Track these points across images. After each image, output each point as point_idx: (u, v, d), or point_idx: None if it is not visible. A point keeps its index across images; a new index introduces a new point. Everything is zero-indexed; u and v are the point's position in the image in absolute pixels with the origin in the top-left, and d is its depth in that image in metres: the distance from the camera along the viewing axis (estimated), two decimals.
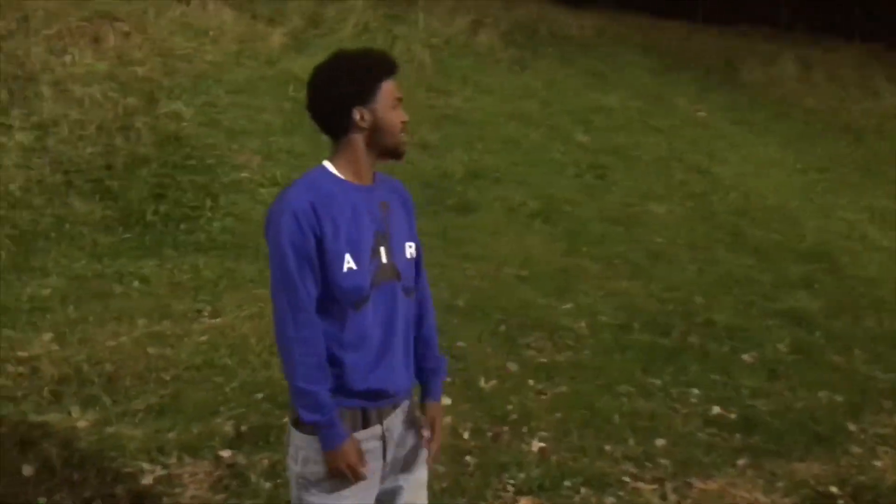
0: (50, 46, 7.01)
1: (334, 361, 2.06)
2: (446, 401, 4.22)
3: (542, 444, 3.98)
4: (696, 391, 4.60)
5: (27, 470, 3.26)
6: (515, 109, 8.66)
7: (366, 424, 2.12)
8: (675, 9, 15.60)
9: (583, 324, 5.21)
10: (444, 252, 5.81)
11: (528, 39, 10.88)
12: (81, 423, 3.57)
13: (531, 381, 4.51)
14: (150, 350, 4.15)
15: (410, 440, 2.24)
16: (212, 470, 3.41)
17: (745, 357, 5.06)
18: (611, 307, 5.47)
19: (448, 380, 4.40)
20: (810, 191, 8.61)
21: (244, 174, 6.09)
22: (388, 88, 2.07)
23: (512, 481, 3.65)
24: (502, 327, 5.03)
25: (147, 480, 3.31)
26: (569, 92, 9.64)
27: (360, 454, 2.10)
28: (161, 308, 4.54)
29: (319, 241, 2.00)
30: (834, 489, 3.83)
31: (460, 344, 4.78)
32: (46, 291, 4.51)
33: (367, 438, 2.12)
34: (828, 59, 13.54)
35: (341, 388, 2.07)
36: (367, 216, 2.07)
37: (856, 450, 4.20)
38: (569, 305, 5.43)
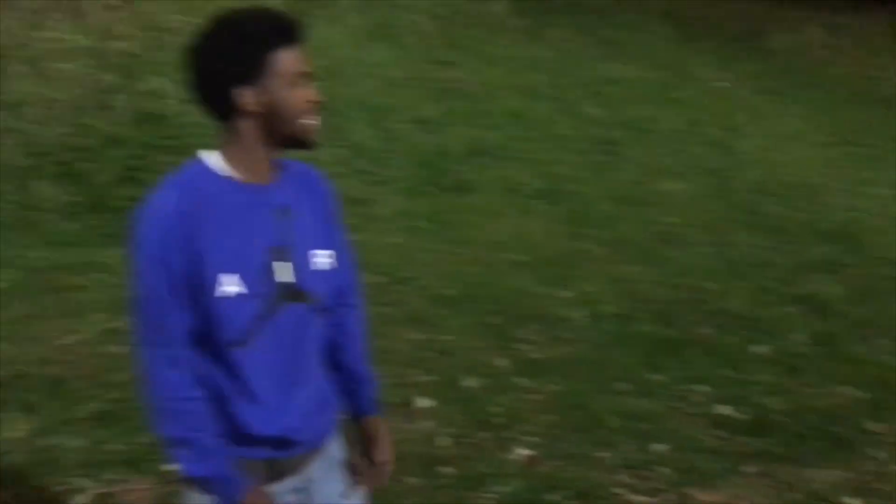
0: (29, 21, 6.69)
1: (223, 406, 1.67)
2: (425, 402, 3.89)
3: (530, 452, 3.63)
4: (702, 388, 4.22)
5: None
6: (522, 82, 8.22)
7: (277, 477, 1.75)
8: None
9: (583, 314, 4.83)
10: (436, 236, 5.45)
11: (540, 8, 10.39)
12: (19, 433, 3.27)
13: (521, 380, 4.15)
14: (105, 349, 3.84)
15: (337, 479, 1.89)
16: (156, 486, 3.10)
17: (759, 349, 4.66)
18: (614, 295, 5.09)
19: (430, 378, 4.10)
20: (836, 165, 8.11)
21: None
22: (284, 61, 1.62)
23: (491, 495, 3.31)
24: (494, 319, 4.67)
25: (84, 499, 3.01)
26: (581, 63, 9.18)
27: (272, 499, 1.75)
28: (121, 301, 4.20)
29: (191, 258, 1.59)
30: (852, 500, 3.47)
31: (447, 338, 4.43)
32: (2, 284, 4.21)
33: (283, 492, 1.75)
34: (858, 25, 12.88)
35: (236, 436, 1.69)
36: (256, 225, 1.65)
37: (878, 454, 3.81)
38: (569, 294, 5.05)
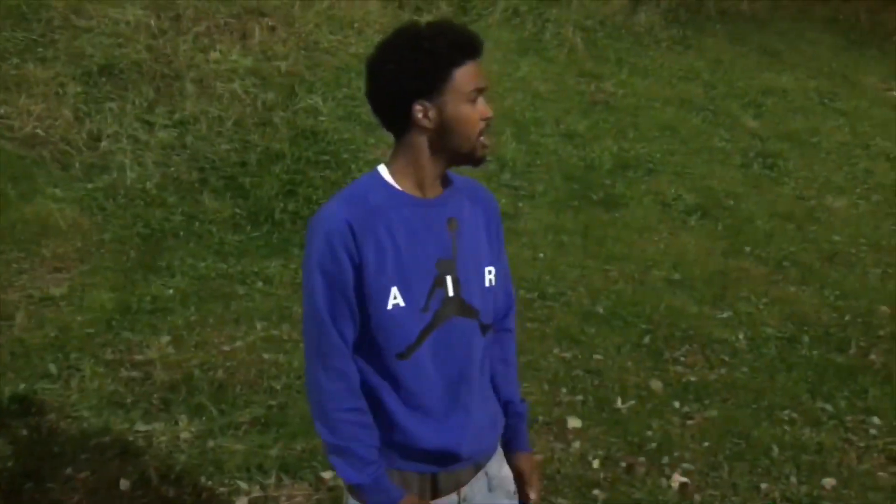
0: (198, 43, 7.09)
1: (385, 417, 1.68)
2: (575, 423, 3.80)
3: (685, 480, 3.48)
4: (875, 420, 3.92)
5: (124, 484, 3.15)
6: (674, 93, 7.97)
7: (436, 494, 1.74)
8: None
9: (741, 336, 4.59)
10: (585, 252, 5.33)
11: (692, 17, 10.05)
12: (185, 435, 3.43)
13: (676, 403, 3.99)
14: (265, 356, 3.98)
15: None
16: (311, 493, 3.17)
17: None
18: (776, 317, 4.81)
19: (579, 398, 4.00)
20: None
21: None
22: (463, 77, 1.61)
23: None
24: (646, 339, 4.51)
25: (243, 502, 3.12)
26: (737, 73, 8.79)
27: None
28: (281, 310, 4.38)
29: (359, 270, 1.61)
30: None
31: (597, 357, 4.32)
32: (169, 292, 4.45)
33: None
34: None
35: (396, 447, 1.70)
36: (427, 238, 1.66)
37: None
38: (726, 314, 4.82)
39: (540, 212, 5.80)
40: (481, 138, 1.66)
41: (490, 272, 1.76)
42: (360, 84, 7.46)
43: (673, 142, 7.09)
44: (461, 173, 1.81)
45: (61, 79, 6.23)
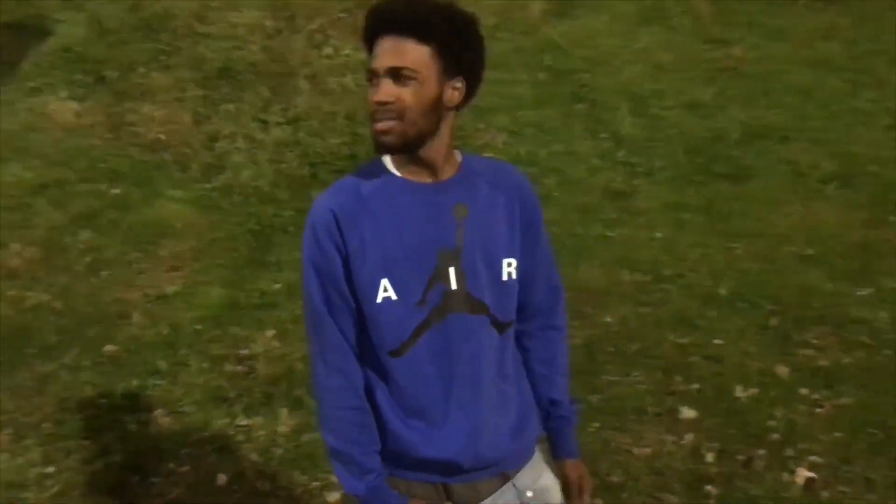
0: (311, 40, 7.20)
1: (380, 422, 1.56)
2: (689, 413, 3.54)
3: (811, 474, 3.16)
4: None
5: (220, 478, 3.18)
6: (812, 55, 7.34)
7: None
8: None
9: (883, 315, 4.15)
10: (707, 229, 4.98)
11: None
12: (282, 429, 3.44)
13: (804, 390, 3.64)
14: None
15: None
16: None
17: None
18: None
19: (695, 386, 3.73)
20: None
21: (486, 154, 5.73)
22: (374, 53, 1.50)
23: None
24: (774, 320, 4.15)
25: (333, 498, 3.08)
26: (885, 28, 8.01)
27: None
28: None
29: (347, 261, 1.50)
30: None
31: (716, 342, 4.02)
32: (276, 286, 4.51)
33: None
34: None
35: (392, 455, 1.57)
36: (427, 226, 1.51)
37: None
38: (866, 291, 4.37)
39: (658, 189, 5.48)
40: (373, 123, 1.50)
41: (510, 265, 1.57)
42: None
43: (809, 106, 6.53)
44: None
45: (182, 84, 6.48)
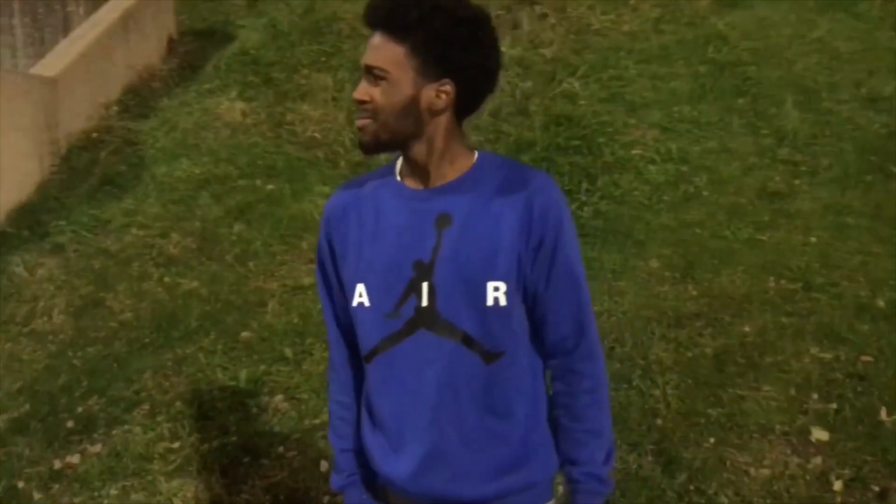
0: None
1: (360, 425, 1.56)
2: (821, 434, 3.23)
3: None
4: None
5: (324, 465, 3.27)
6: None
7: None
8: None
9: None
10: (871, 234, 4.52)
11: None
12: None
13: None
14: None
15: None
16: None
17: None
18: None
19: (832, 406, 3.40)
20: None
21: (634, 151, 5.51)
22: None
23: None
24: None
25: None
26: None
27: None
28: None
29: (336, 263, 1.51)
30: None
31: (865, 358, 3.64)
32: None
33: None
34: None
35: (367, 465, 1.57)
36: (409, 236, 1.42)
37: None
38: None
39: (820, 189, 5.04)
40: (357, 121, 1.46)
41: (497, 289, 1.39)
42: (630, 63, 7.04)
43: None
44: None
45: (340, 84, 6.72)
